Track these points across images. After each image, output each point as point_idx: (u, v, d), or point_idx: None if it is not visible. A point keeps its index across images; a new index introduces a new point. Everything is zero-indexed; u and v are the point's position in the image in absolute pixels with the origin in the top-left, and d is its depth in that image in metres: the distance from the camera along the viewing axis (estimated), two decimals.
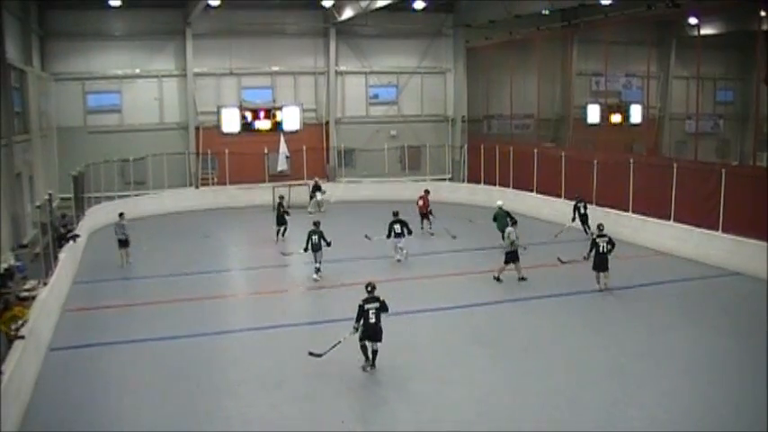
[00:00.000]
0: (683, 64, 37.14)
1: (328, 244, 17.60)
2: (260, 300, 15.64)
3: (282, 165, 32.53)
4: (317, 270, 17.47)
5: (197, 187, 31.97)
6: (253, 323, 14.59)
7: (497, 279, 16.79)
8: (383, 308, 12.29)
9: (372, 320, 12.21)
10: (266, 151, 32.93)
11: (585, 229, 21.62)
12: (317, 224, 17.84)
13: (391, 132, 34.75)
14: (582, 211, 22.40)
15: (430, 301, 15.44)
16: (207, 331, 13.63)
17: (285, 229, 22.82)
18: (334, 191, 32.04)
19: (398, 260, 19.36)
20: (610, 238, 16.61)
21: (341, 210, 28.18)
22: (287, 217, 22.81)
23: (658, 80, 37.02)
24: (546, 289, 16.45)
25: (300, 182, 31.82)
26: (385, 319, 12.17)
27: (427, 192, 24.63)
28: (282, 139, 32.56)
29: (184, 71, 31.19)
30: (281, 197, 23.23)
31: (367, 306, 12.02)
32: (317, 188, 30.89)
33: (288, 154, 32.67)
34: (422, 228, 22.90)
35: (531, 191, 28.89)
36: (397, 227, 19.38)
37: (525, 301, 15.41)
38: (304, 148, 33.50)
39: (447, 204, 28.33)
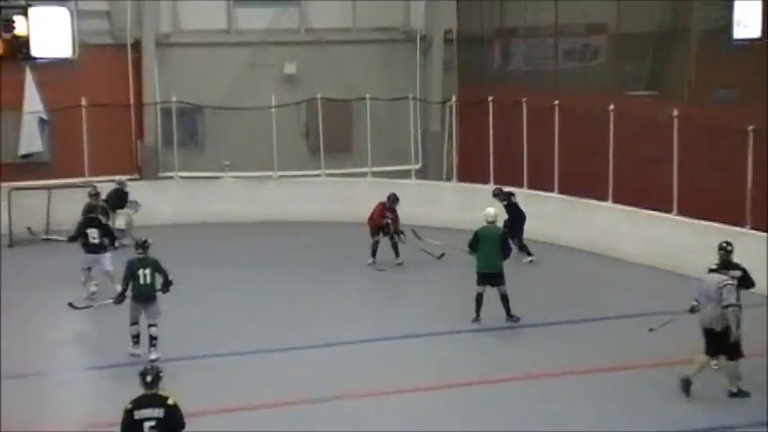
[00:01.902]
0: None
1: (166, 285, 12.79)
2: None
3: (32, 141, 19.47)
4: (151, 341, 12.33)
5: None
6: None
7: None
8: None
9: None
10: None
11: None
12: (143, 246, 12.90)
13: (286, 68, 20.74)
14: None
15: None
16: None
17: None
18: (154, 202, 18.74)
19: None
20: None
21: (172, 241, 16.04)
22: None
23: None
24: None
25: (78, 180, 19.05)
26: None
27: (391, 200, 17.55)
28: (31, 81, 19.28)
29: None
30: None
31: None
32: (118, 197, 19.56)
33: (44, 116, 19.49)
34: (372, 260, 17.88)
35: (603, 198, 16.79)
36: None
37: None
38: (83, 103, 19.83)
39: (412, 226, 16.75)
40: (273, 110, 22.01)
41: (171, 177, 21.94)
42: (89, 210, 17.43)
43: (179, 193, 21.65)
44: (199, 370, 12.28)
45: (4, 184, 20.29)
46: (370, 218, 18.35)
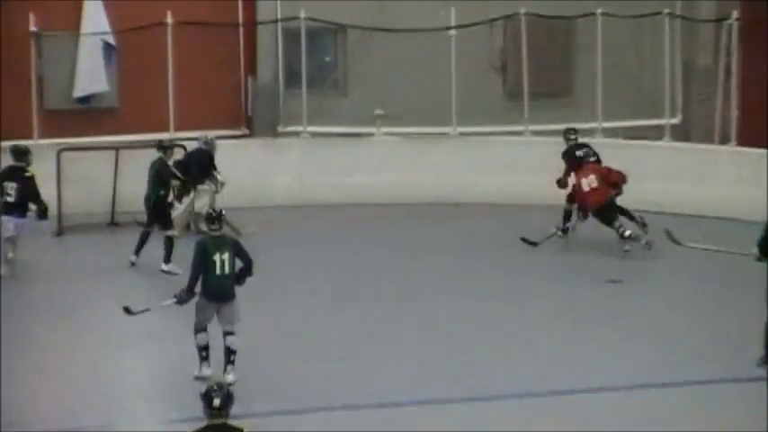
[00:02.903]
0: None
1: (244, 275, 12.04)
2: None
3: (93, 77, 19.03)
4: (228, 356, 11.94)
5: None
6: None
7: None
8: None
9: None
10: (33, 29, 18.18)
11: None
12: (218, 219, 11.89)
13: None
14: None
15: None
16: None
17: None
18: (269, 170, 19.44)
19: None
20: None
21: (291, 232, 18.12)
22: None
23: None
24: None
25: (157, 136, 17.65)
26: None
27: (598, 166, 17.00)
28: None
29: None
30: None
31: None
32: (199, 164, 17.53)
33: (111, 39, 19.08)
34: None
35: None
36: None
37: None
38: (169, 20, 18.00)
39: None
40: (452, 32, 19.69)
41: (295, 134, 20.38)
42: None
43: (306, 158, 20.59)
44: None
45: (49, 141, 17.90)
46: (589, 191, 15.83)
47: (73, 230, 17.11)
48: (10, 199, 14.53)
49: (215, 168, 17.19)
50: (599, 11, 19.58)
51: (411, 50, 20.31)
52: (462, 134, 19.16)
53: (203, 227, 16.52)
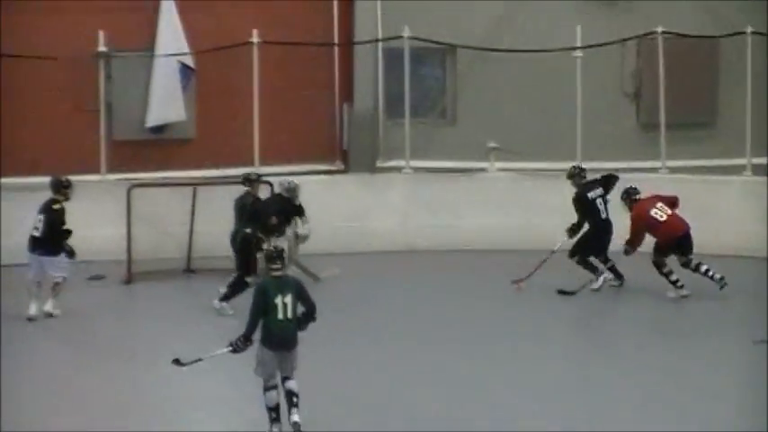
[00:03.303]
0: None
1: (307, 320, 11.61)
2: None
3: (168, 104, 18.48)
4: (291, 400, 11.43)
5: None
6: None
7: None
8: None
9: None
10: (102, 48, 17.87)
11: None
12: (279, 258, 11.41)
13: None
14: None
15: None
16: None
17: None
18: (368, 209, 18.97)
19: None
20: None
21: (395, 283, 18.03)
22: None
23: None
24: None
25: (241, 171, 16.98)
26: None
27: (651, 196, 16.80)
28: (171, 5, 18.52)
29: None
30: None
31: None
32: (277, 209, 16.84)
33: (189, 61, 18.57)
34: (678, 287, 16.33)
35: None
36: None
37: None
38: (254, 39, 17.52)
39: None
40: (578, 53, 18.81)
41: (397, 169, 19.55)
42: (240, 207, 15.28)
43: (408, 197, 19.51)
44: None
45: (118, 176, 17.27)
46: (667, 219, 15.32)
47: (144, 278, 16.19)
48: (36, 233, 14.36)
49: (301, 214, 16.25)
50: (749, 29, 18.25)
51: (530, 74, 19.64)
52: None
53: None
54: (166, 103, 18.65)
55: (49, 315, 15.28)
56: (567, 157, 18.95)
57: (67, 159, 16.45)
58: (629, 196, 15.71)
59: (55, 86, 17.68)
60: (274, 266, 10.92)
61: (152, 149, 18.90)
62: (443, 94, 20.85)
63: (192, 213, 17.57)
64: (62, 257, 14.72)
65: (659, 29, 18.99)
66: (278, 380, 10.89)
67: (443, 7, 20.00)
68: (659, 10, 20.11)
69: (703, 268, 15.57)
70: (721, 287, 15.67)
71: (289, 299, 11.17)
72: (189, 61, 18.67)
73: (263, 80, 18.82)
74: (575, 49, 18.89)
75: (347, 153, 20.04)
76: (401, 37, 19.08)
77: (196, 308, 14.92)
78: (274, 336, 10.93)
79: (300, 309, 10.73)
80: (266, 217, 15.62)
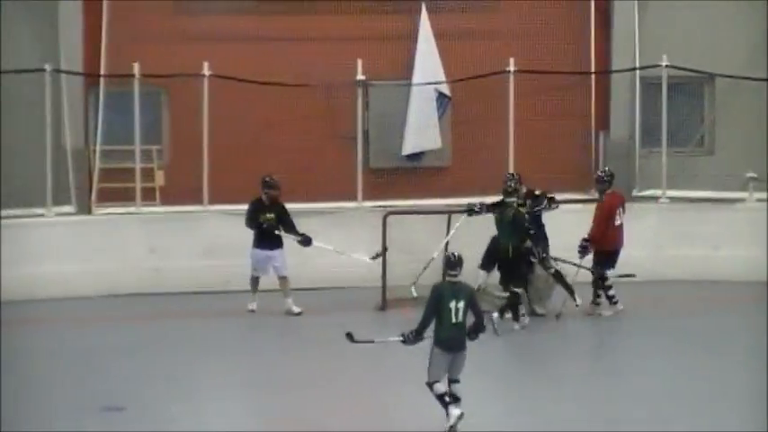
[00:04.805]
0: None
1: (477, 330, 12.04)
2: None
3: (424, 132, 18.28)
4: (452, 400, 12.01)
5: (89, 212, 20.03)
6: None
7: None
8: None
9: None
10: (361, 77, 17.42)
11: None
12: (458, 263, 11.78)
13: None
14: None
15: None
16: None
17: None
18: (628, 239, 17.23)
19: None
20: None
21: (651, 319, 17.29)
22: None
23: None
24: None
25: (492, 199, 17.14)
26: None
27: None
28: (427, 31, 17.33)
29: None
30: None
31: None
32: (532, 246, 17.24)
33: (446, 90, 18.25)
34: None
35: None
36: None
37: None
38: (511, 68, 16.60)
39: None
40: None
41: (653, 198, 18.95)
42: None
43: (663, 227, 18.76)
44: None
45: (374, 204, 17.54)
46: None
47: (398, 305, 16.05)
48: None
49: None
50: None
51: None
52: None
53: (538, 309, 15.93)
54: (423, 131, 18.57)
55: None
56: None
57: (324, 186, 16.66)
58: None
59: (312, 114, 17.61)
60: (452, 273, 11.32)
61: (407, 177, 18.85)
62: (701, 123, 20.24)
63: (446, 241, 17.22)
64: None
65: None
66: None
67: (701, 35, 19.32)
68: None
69: (611, 292, 15.50)
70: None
71: (461, 305, 11.51)
72: (445, 89, 18.61)
73: (517, 108, 18.59)
74: None
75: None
76: (659, 65, 18.61)
77: None
78: (446, 338, 11.36)
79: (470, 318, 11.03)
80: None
